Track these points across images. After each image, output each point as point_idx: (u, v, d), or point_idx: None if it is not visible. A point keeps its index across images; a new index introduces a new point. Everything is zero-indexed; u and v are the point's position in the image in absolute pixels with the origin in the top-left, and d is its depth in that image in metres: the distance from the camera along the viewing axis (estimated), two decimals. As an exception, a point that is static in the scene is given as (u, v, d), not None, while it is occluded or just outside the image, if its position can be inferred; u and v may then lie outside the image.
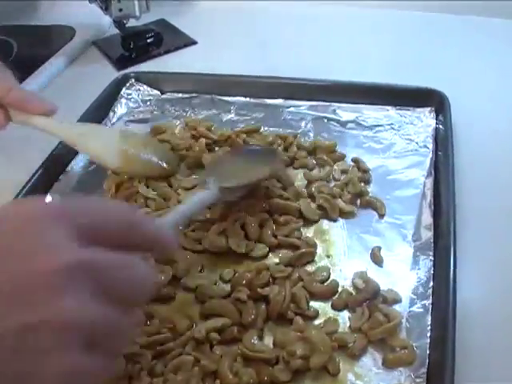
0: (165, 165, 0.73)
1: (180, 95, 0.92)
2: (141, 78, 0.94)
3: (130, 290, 0.36)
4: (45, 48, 1.12)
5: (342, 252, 0.64)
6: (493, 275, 0.62)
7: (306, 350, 0.52)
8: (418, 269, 0.61)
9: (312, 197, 0.70)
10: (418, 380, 0.51)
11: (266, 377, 0.52)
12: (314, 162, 0.76)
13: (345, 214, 0.68)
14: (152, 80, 0.94)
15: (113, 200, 0.69)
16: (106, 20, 1.09)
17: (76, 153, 0.77)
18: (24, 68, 1.03)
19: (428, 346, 0.53)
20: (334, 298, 0.59)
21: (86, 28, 1.16)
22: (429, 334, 0.54)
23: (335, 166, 0.75)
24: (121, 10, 1.03)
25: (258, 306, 0.57)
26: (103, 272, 0.34)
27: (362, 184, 0.71)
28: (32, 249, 0.32)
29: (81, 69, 1.06)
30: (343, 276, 0.61)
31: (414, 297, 0.58)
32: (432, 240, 0.63)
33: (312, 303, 0.59)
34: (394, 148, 0.78)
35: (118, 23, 1.07)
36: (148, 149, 0.74)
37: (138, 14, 1.04)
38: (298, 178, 0.74)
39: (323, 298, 0.59)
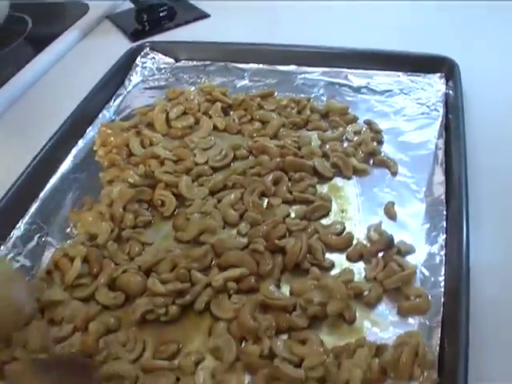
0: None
1: (194, 63, 0.94)
2: (156, 47, 0.95)
3: None
4: (59, 24, 1.13)
5: (357, 207, 0.65)
6: (504, 230, 0.63)
7: (322, 297, 0.53)
8: (431, 223, 0.62)
9: (326, 155, 0.71)
10: (432, 326, 0.52)
11: (284, 323, 0.53)
12: (328, 124, 0.77)
13: (358, 172, 0.69)
14: (167, 49, 0.95)
15: None
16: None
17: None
18: (38, 44, 1.05)
19: (442, 295, 0.54)
20: (349, 250, 0.60)
21: (100, 4, 1.18)
22: (443, 284, 0.55)
23: (348, 128, 0.76)
24: (134, -17, 1.04)
25: (274, 257, 0.58)
26: None
27: (375, 143, 0.72)
28: None
29: (95, 41, 1.07)
30: (358, 230, 0.63)
31: (428, 248, 0.59)
32: (444, 196, 0.64)
33: (327, 255, 0.60)
34: (405, 111, 0.79)
35: (132, -3, 1.08)
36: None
37: (151, -13, 1.05)
38: (312, 139, 0.75)
39: (339, 249, 0.60)
